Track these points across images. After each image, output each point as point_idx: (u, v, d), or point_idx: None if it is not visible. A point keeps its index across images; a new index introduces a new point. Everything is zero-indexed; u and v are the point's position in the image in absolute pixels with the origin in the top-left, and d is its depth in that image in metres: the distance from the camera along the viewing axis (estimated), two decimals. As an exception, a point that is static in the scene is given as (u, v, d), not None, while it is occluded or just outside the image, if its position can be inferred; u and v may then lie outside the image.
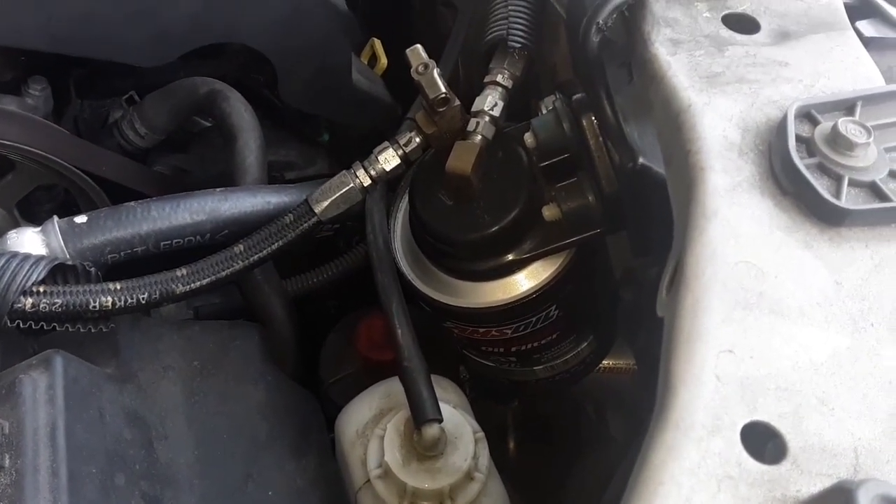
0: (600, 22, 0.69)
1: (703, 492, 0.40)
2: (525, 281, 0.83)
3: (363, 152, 0.87)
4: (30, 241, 0.80)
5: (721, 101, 0.59)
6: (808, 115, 0.57)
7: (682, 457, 0.41)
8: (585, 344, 0.95)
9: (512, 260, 0.82)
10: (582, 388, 1.09)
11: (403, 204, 0.92)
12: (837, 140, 0.54)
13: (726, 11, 0.70)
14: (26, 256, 0.75)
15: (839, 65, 0.64)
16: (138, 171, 1.07)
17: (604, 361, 1.04)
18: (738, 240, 0.51)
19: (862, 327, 0.48)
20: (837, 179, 0.53)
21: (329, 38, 1.09)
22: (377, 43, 1.27)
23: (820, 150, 0.54)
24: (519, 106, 0.89)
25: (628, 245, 0.86)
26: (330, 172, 1.13)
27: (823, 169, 0.54)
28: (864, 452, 0.43)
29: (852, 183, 0.53)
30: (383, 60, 1.25)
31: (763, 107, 0.59)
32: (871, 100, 0.58)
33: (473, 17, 1.05)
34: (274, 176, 1.13)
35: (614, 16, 0.70)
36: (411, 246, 0.89)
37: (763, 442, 0.43)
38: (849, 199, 0.52)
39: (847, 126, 0.54)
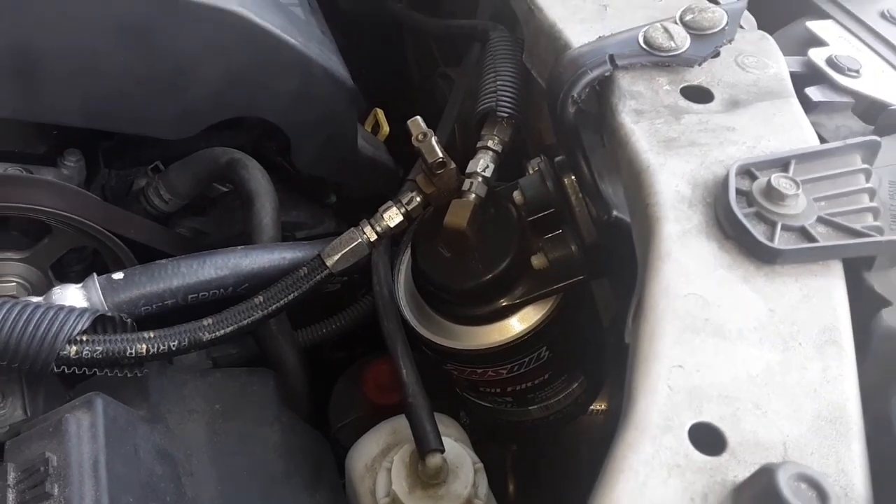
0: (575, 95, 0.77)
1: (656, 478, 0.48)
2: (517, 324, 0.89)
3: (367, 212, 0.94)
4: (73, 295, 0.88)
5: (675, 161, 0.68)
6: (748, 172, 0.65)
7: (639, 450, 0.49)
8: (576, 384, 1.00)
9: (505, 305, 0.88)
10: (577, 431, 1.14)
11: (406, 257, 0.98)
12: (771, 192, 0.62)
13: (684, 84, 0.78)
14: (71, 308, 0.82)
15: (780, 128, 0.72)
16: (163, 233, 1.14)
17: (598, 405, 1.09)
18: (687, 276, 0.59)
19: (791, 346, 0.56)
20: (772, 225, 0.61)
21: (337, 111, 1.17)
22: (380, 112, 1.35)
23: (757, 201, 0.62)
24: (509, 167, 0.97)
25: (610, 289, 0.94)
26: (337, 231, 1.21)
27: (760, 217, 0.62)
28: (791, 446, 0.50)
29: (785, 228, 0.61)
30: (385, 128, 1.33)
31: (711, 166, 0.67)
32: (803, 158, 0.67)
33: (467, 89, 1.15)
34: (286, 235, 1.18)
35: (587, 90, 0.78)
36: (414, 295, 0.95)
37: (707, 438, 0.51)
38: (781, 241, 0.60)
39: (779, 180, 0.63)
